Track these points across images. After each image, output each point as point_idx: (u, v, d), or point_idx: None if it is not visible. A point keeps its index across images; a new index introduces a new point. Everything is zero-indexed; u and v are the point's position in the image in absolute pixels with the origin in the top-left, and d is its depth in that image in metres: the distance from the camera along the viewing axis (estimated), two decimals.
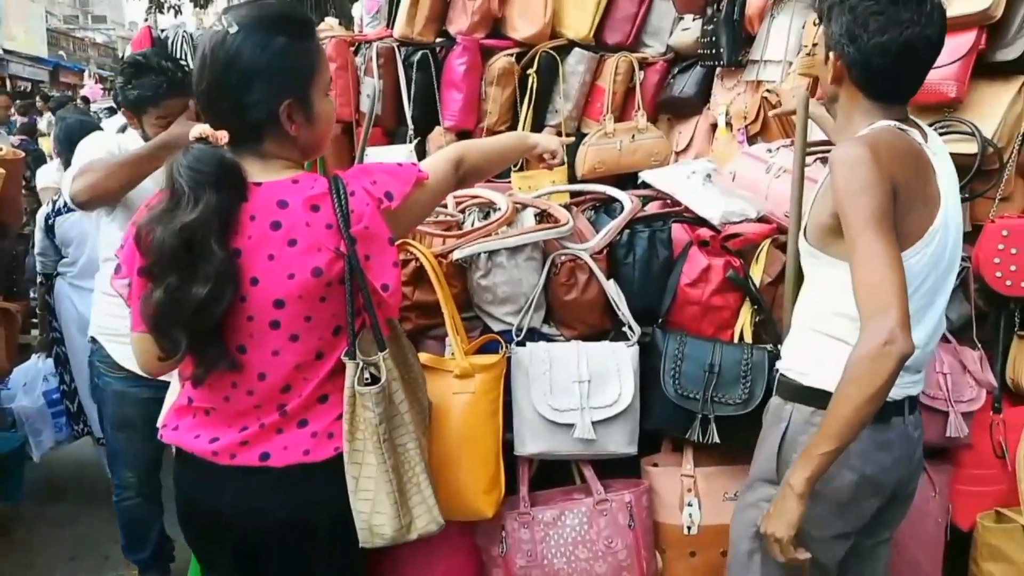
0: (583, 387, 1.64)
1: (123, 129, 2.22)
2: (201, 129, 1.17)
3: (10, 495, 2.93)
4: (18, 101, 9.33)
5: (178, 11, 12.98)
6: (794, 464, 1.24)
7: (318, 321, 1.19)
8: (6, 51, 18.26)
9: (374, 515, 1.20)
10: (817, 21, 1.44)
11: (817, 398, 1.30)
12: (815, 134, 1.82)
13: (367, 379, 1.20)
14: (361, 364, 1.20)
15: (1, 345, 2.73)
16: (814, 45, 2.09)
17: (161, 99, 2.00)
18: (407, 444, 1.25)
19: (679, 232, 1.79)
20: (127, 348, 2.16)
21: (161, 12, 12.45)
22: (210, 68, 1.18)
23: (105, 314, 2.11)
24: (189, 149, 1.17)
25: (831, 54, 1.35)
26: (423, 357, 1.54)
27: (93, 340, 2.17)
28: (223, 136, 1.18)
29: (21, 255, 3.06)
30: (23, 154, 2.78)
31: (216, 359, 1.18)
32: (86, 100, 10.72)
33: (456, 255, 1.68)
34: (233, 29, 1.16)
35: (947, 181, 1.33)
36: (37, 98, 11.01)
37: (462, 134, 2.94)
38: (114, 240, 2.14)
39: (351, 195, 1.18)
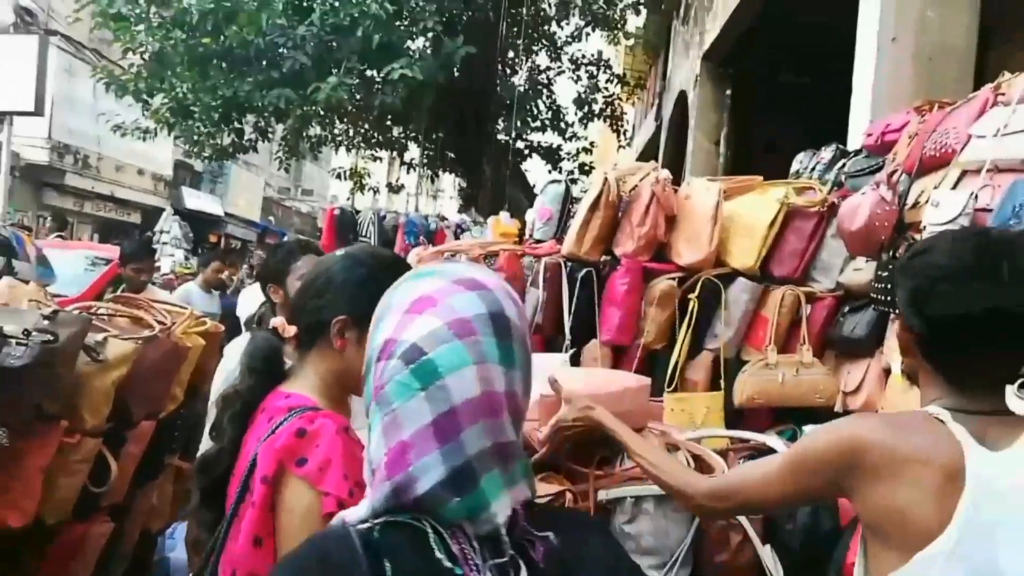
0: None
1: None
2: (278, 321, 1.33)
3: None
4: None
5: (376, 192, 14.54)
6: None
7: None
8: (227, 214, 21.12)
9: None
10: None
11: None
12: None
13: None
14: None
15: (167, 500, 2.92)
16: None
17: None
18: None
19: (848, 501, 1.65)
20: None
21: (362, 192, 14.00)
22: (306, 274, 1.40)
23: None
24: (256, 335, 1.36)
25: (905, 325, 1.21)
26: None
27: None
28: (290, 330, 1.31)
29: (203, 415, 3.34)
30: (222, 328, 3.12)
31: (209, 524, 1.25)
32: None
33: (601, 496, 1.64)
34: (339, 253, 1.37)
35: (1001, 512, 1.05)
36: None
37: (618, 349, 2.96)
38: None
39: (286, 423, 1.17)
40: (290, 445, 1.14)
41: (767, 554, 1.59)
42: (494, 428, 0.81)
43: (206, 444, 2.43)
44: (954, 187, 2.44)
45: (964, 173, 2.46)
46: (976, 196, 2.30)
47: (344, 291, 1.29)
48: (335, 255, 1.38)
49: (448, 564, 0.77)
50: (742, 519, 1.59)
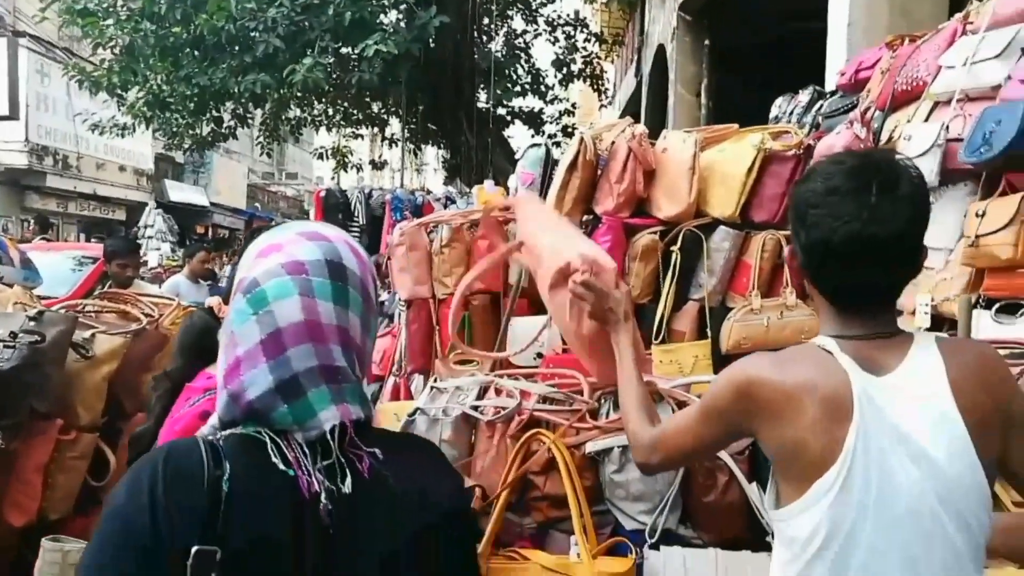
0: None
1: None
2: (214, 300, 1.38)
3: None
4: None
5: (359, 169, 14.47)
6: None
7: None
8: (212, 204, 20.99)
9: None
10: None
11: None
12: None
13: None
14: None
15: None
16: (977, 236, 2.00)
17: None
18: None
19: None
20: None
21: (345, 171, 13.93)
22: None
23: None
24: (192, 315, 1.43)
25: (789, 249, 1.25)
26: (547, 558, 1.51)
27: None
28: (226, 310, 1.38)
29: None
30: None
31: None
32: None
33: (589, 448, 1.67)
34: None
35: (895, 431, 1.08)
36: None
37: None
38: None
39: (195, 405, 1.29)
40: (192, 427, 1.21)
41: (754, 492, 1.62)
42: (321, 351, 0.93)
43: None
44: (926, 119, 2.45)
45: (935, 105, 2.47)
46: (947, 127, 2.31)
47: None
48: None
49: (282, 467, 0.89)
50: (726, 459, 1.63)
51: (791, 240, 1.21)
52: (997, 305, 2.02)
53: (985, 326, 2.00)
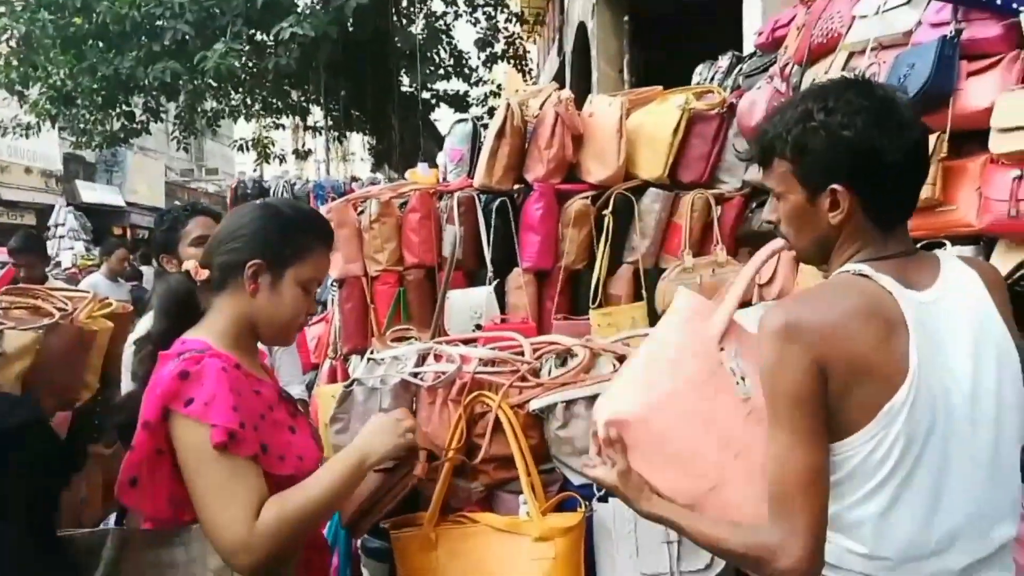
0: (672, 548, 1.53)
1: None
2: (191, 264, 1.37)
3: None
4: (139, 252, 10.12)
5: (282, 160, 14.11)
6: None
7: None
8: (128, 203, 20.11)
9: None
10: (762, 163, 1.22)
11: None
12: None
13: None
14: None
15: (98, 491, 2.81)
16: None
17: None
18: None
19: None
20: None
21: (267, 162, 13.55)
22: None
23: None
24: (169, 277, 1.47)
25: (834, 189, 1.12)
26: (496, 519, 1.48)
27: None
28: (203, 273, 1.36)
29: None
30: (131, 308, 2.97)
31: None
32: None
33: (533, 405, 1.65)
34: (258, 202, 1.44)
35: (935, 339, 1.07)
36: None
37: (540, 274, 2.96)
38: None
39: (168, 369, 1.22)
40: (174, 389, 1.18)
41: None
42: None
43: None
44: (843, 70, 2.50)
45: (851, 55, 2.52)
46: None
47: (261, 237, 1.33)
48: (255, 203, 1.41)
49: None
50: None
51: (837, 177, 1.12)
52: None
53: None
